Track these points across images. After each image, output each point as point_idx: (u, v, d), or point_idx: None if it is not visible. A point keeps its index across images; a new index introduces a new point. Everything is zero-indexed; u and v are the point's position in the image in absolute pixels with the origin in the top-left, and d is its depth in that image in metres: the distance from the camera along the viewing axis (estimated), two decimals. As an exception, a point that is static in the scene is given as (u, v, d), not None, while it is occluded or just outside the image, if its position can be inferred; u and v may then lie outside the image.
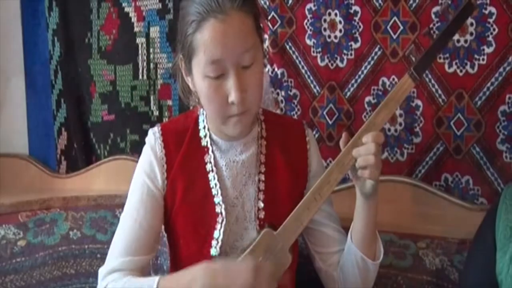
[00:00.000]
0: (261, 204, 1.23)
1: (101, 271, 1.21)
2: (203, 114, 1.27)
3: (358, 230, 1.21)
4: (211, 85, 1.12)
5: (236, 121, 1.16)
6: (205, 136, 1.25)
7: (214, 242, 1.20)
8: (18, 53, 2.17)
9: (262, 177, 1.25)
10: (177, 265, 1.27)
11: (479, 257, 1.20)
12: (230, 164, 1.24)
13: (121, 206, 1.75)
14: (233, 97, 1.11)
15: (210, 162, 1.24)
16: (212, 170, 1.24)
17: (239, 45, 1.10)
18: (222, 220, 1.21)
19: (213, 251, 1.20)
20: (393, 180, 1.55)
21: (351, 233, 1.23)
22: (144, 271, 1.22)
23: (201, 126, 1.26)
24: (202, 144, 1.25)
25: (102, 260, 1.56)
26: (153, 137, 1.25)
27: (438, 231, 1.47)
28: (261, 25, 1.20)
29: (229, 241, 1.22)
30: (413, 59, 1.18)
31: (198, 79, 1.14)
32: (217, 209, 1.21)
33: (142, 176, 1.24)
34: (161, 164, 1.23)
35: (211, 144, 1.25)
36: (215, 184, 1.23)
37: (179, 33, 1.18)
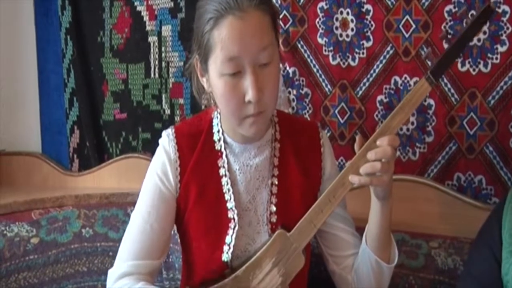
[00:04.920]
0: (273, 208, 1.23)
1: (111, 274, 1.21)
2: (217, 117, 1.26)
3: (373, 233, 1.20)
4: (228, 84, 1.11)
5: (252, 122, 1.15)
6: (219, 140, 1.24)
7: (225, 248, 1.20)
8: (31, 52, 2.19)
9: (275, 181, 1.24)
10: (189, 267, 1.27)
11: (484, 249, 1.18)
12: (243, 168, 1.24)
13: (133, 204, 1.75)
14: (250, 95, 1.10)
15: (224, 167, 1.23)
16: (226, 175, 1.23)
17: (256, 43, 1.10)
18: (235, 226, 1.20)
19: (225, 257, 1.19)
20: (405, 179, 1.54)
21: (365, 235, 1.22)
22: (153, 275, 1.23)
23: (215, 129, 1.25)
24: (216, 148, 1.24)
25: (114, 258, 1.57)
26: (167, 139, 1.24)
27: (451, 231, 1.46)
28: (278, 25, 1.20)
29: (241, 245, 1.21)
30: (429, 63, 1.17)
31: (214, 78, 1.13)
32: (230, 214, 1.21)
33: (154, 178, 1.23)
34: (175, 167, 1.22)
35: (225, 148, 1.24)
36: (228, 189, 1.22)
37: (195, 32, 1.17)
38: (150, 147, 2.01)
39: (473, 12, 1.45)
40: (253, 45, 1.09)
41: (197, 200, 1.22)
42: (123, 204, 1.80)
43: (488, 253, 1.15)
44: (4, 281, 1.63)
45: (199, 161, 1.23)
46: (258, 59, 1.11)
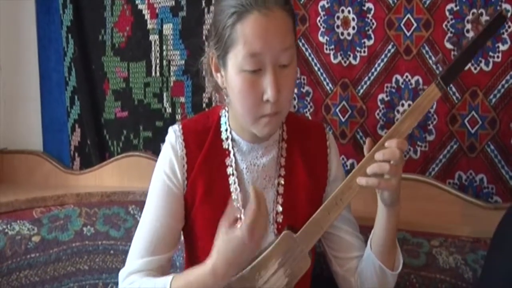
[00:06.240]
0: (280, 208, 1.23)
1: (122, 273, 1.21)
2: (225, 116, 1.26)
3: (378, 239, 1.20)
4: (246, 80, 1.10)
5: (267, 122, 1.14)
6: (227, 139, 1.24)
7: None
8: (33, 50, 2.19)
9: (282, 181, 1.24)
10: (194, 265, 1.26)
11: (499, 257, 1.18)
12: (250, 167, 1.24)
13: (134, 202, 1.77)
14: (269, 94, 1.09)
15: (231, 166, 1.23)
16: (233, 174, 1.23)
17: (279, 42, 1.09)
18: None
19: None
20: (406, 178, 1.54)
21: (370, 241, 1.22)
22: (164, 270, 1.22)
23: (223, 128, 1.25)
24: (224, 146, 1.24)
25: (115, 256, 1.57)
26: (174, 135, 1.24)
27: (452, 230, 1.46)
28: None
29: None
30: (435, 67, 1.17)
31: (233, 74, 1.12)
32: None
33: (162, 175, 1.23)
34: (182, 163, 1.22)
35: (232, 147, 1.24)
36: (236, 188, 1.22)
37: (213, 26, 1.16)
38: (151, 146, 2.01)
39: (475, 11, 1.45)
40: (276, 43, 1.09)
41: (204, 199, 1.22)
42: (124, 202, 1.80)
43: (503, 260, 1.16)
44: (6, 279, 1.63)
45: (206, 159, 1.23)
46: (279, 59, 1.10)
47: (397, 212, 1.18)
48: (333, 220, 1.18)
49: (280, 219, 1.22)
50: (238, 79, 1.11)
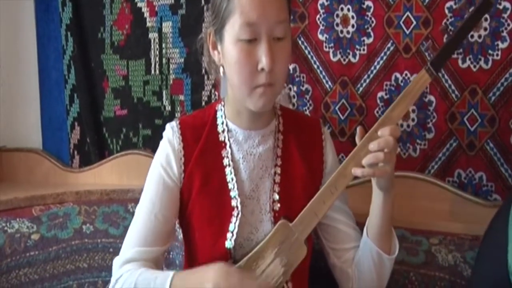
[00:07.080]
0: (276, 197, 1.24)
1: (116, 261, 1.22)
2: (221, 110, 1.28)
3: (374, 225, 1.22)
4: (243, 50, 1.14)
5: (262, 93, 1.16)
6: (223, 131, 1.27)
7: (229, 235, 1.21)
8: (32, 48, 2.19)
9: (278, 170, 1.26)
10: (192, 257, 1.29)
11: (491, 251, 1.19)
12: (247, 157, 1.26)
13: (134, 200, 1.77)
14: (263, 63, 1.13)
15: (227, 157, 1.25)
16: (229, 165, 1.25)
17: (275, 14, 1.13)
18: (238, 214, 1.22)
19: (228, 244, 1.20)
20: (406, 176, 1.55)
21: (367, 227, 1.24)
22: (158, 263, 1.24)
23: (219, 121, 1.28)
24: (220, 139, 1.26)
25: (115, 254, 1.57)
26: (171, 131, 1.27)
27: (451, 227, 1.46)
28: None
29: (244, 233, 1.22)
30: (427, 54, 1.18)
31: (230, 44, 1.16)
32: (233, 203, 1.23)
33: (158, 169, 1.25)
34: (179, 157, 1.24)
35: (228, 139, 1.26)
36: (232, 179, 1.24)
37: (212, 4, 1.20)
38: (150, 144, 2.01)
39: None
40: (272, 15, 1.13)
41: (201, 190, 1.24)
42: (123, 200, 1.80)
43: (496, 253, 1.16)
44: (5, 277, 1.63)
45: (203, 152, 1.25)
46: (274, 31, 1.14)
47: (392, 196, 1.20)
48: (328, 208, 1.20)
49: (276, 207, 1.24)
50: (234, 49, 1.15)
